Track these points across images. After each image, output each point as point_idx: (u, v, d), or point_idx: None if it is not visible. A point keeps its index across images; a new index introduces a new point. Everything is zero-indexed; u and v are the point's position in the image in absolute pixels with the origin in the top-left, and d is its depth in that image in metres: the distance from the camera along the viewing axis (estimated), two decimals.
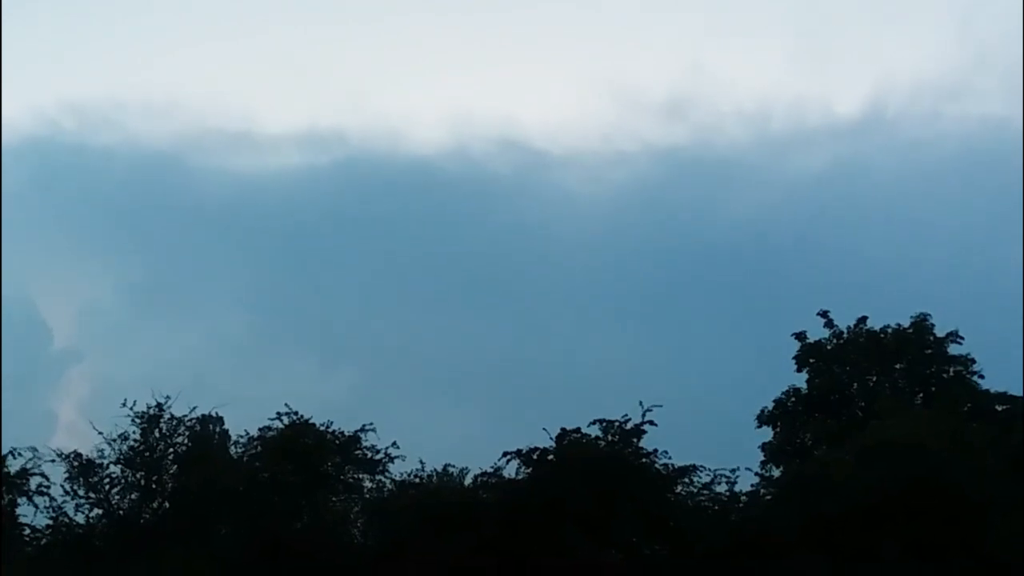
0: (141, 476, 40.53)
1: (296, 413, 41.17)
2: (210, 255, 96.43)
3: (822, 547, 34.69)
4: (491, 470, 39.17)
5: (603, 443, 38.84)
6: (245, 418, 42.12)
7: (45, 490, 39.72)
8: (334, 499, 41.23)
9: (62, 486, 39.90)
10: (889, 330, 46.21)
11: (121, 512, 40.23)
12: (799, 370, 46.51)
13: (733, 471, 39.05)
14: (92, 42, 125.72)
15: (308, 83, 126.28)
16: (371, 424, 41.34)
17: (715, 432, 53.96)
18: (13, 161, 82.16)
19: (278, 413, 41.05)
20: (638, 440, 38.71)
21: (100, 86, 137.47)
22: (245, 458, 41.29)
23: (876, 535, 35.02)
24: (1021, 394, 42.46)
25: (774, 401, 46.09)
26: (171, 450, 41.09)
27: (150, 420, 40.86)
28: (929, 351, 45.61)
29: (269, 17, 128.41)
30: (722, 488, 38.83)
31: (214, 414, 41.71)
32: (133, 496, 40.47)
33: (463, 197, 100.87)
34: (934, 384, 45.16)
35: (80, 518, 40.15)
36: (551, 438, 38.65)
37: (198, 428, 41.43)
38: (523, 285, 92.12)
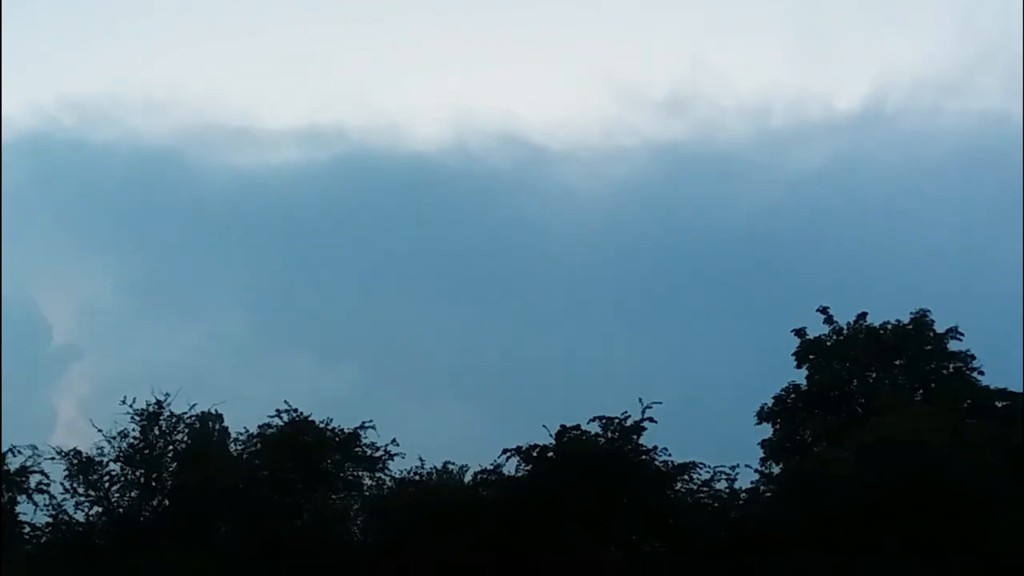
0: (141, 474, 40.47)
1: (296, 410, 41.11)
2: (210, 252, 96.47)
3: (822, 544, 34.67)
4: (491, 467, 39.18)
5: (603, 440, 38.80)
6: (245, 415, 42.14)
7: (45, 488, 39.69)
8: (334, 496, 41.19)
9: (62, 484, 39.88)
10: (889, 326, 46.24)
11: (121, 510, 40.18)
12: (799, 366, 46.55)
13: (733, 468, 38.99)
14: (92, 39, 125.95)
15: (308, 80, 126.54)
16: (371, 421, 41.29)
17: (715, 429, 53.99)
18: (13, 158, 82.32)
19: (278, 410, 41.01)
20: (638, 437, 38.68)
21: (100, 83, 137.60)
22: (245, 455, 41.23)
23: (876, 532, 35.01)
24: (1021, 390, 42.49)
25: (774, 398, 46.14)
26: (171, 448, 41.01)
27: (150, 418, 40.80)
28: (929, 347, 45.64)
29: (269, 14, 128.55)
30: (722, 485, 38.79)
31: (214, 411, 41.71)
32: (133, 494, 40.42)
33: (463, 193, 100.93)
34: (934, 380, 45.17)
35: (80, 516, 40.13)
36: (551, 435, 38.62)
37: (198, 425, 41.37)
38: (523, 281, 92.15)
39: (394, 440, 40.98)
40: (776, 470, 43.65)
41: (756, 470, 42.90)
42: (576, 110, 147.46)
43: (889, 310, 46.85)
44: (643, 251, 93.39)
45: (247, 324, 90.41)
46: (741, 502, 39.40)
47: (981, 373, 44.68)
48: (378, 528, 40.17)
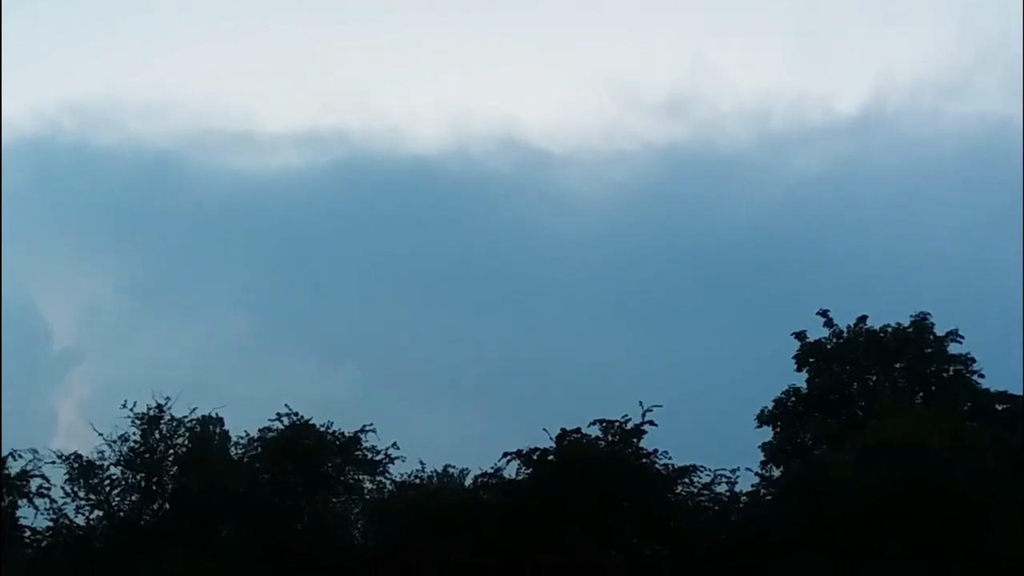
0: (141, 477, 40.52)
1: (296, 414, 41.19)
2: (210, 255, 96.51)
3: (822, 547, 34.65)
4: (491, 470, 39.21)
5: (603, 443, 38.83)
6: (245, 419, 42.17)
7: (45, 492, 39.76)
8: (334, 500, 41.21)
9: (62, 488, 39.96)
10: (889, 329, 46.24)
11: (121, 514, 40.23)
12: (799, 370, 46.54)
13: (733, 471, 39.09)
14: (92, 42, 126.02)
15: (308, 83, 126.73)
16: (371, 425, 41.40)
17: (715, 432, 53.92)
18: (13, 161, 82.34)
19: (278, 414, 41.11)
20: (638, 440, 38.71)
21: (100, 86, 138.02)
22: (245, 459, 41.27)
23: (876, 535, 35.00)
24: (1021, 393, 42.47)
25: (774, 401, 46.12)
26: (171, 451, 41.08)
27: (150, 421, 40.85)
28: (929, 350, 45.63)
29: (269, 17, 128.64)
30: (722, 488, 38.86)
31: (214, 415, 41.73)
32: (133, 497, 40.47)
33: (463, 196, 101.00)
34: (934, 383, 45.17)
35: (80, 520, 40.25)
36: (551, 438, 38.65)
37: (198, 429, 41.41)
38: (523, 284, 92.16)
39: (394, 444, 41.17)
40: (776, 473, 43.68)
41: (756, 473, 43.00)
42: (576, 112, 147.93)
43: (889, 313, 46.95)
44: (643, 254, 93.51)
45: (247, 327, 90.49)
46: (741, 505, 39.44)
47: (981, 376, 44.73)
48: (379, 531, 40.19)
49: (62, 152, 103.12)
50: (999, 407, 43.07)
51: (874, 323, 46.54)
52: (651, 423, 38.68)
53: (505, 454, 38.63)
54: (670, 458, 38.47)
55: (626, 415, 38.86)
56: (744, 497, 39.80)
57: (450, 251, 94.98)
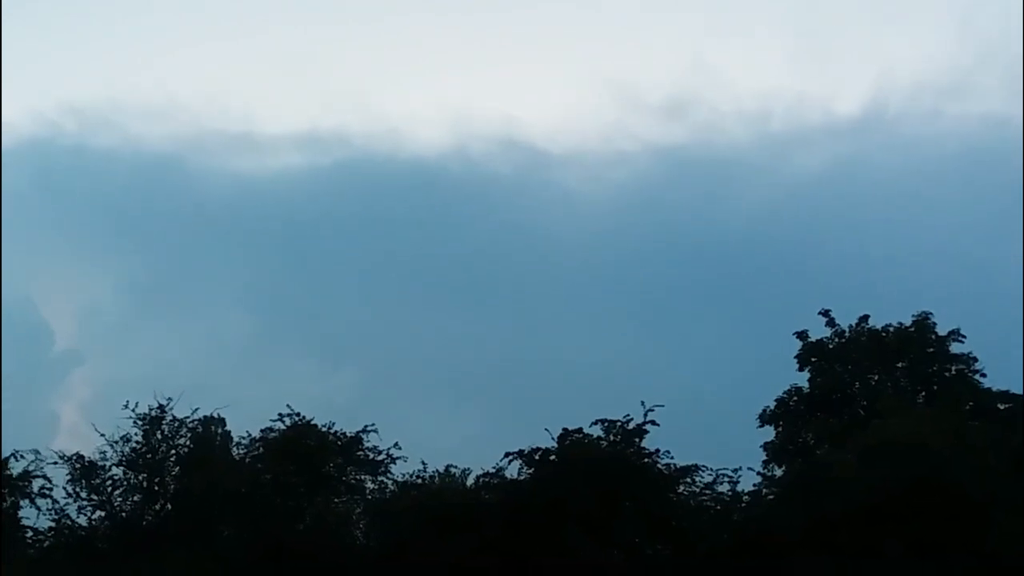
0: (143, 478, 40.52)
1: (298, 414, 41.14)
2: (211, 256, 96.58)
3: (825, 546, 34.65)
4: (493, 471, 39.20)
5: (605, 443, 38.82)
6: (247, 419, 42.18)
7: (47, 492, 39.77)
8: (336, 500, 41.20)
9: (64, 488, 39.97)
10: (891, 329, 46.24)
11: (123, 514, 40.24)
12: (801, 369, 46.54)
13: (735, 471, 39.04)
14: (92, 43, 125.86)
15: (308, 83, 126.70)
16: (373, 425, 41.35)
17: (717, 432, 53.95)
18: (14, 163, 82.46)
19: (280, 414, 41.03)
20: (640, 440, 38.70)
21: (100, 88, 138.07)
22: (247, 459, 41.25)
23: (879, 534, 35.00)
24: (1022, 392, 42.48)
25: (776, 400, 46.11)
26: (173, 452, 41.08)
27: (152, 422, 40.85)
28: (931, 350, 45.63)
29: (269, 17, 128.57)
30: (724, 488, 38.82)
31: (216, 416, 41.72)
32: (135, 498, 40.47)
33: (463, 197, 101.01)
34: (936, 383, 45.17)
35: (82, 520, 40.22)
36: (553, 438, 38.66)
37: (200, 430, 41.40)
38: (524, 285, 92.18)
39: (396, 444, 41.13)
40: (778, 473, 43.66)
41: (758, 473, 42.94)
42: (576, 113, 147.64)
43: (891, 313, 46.95)
44: (643, 254, 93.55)
45: (248, 328, 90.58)
46: (743, 505, 39.40)
47: (983, 375, 44.72)
48: (380, 532, 40.18)
49: (62, 154, 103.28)
50: (1001, 406, 43.07)
51: (876, 323, 46.58)
52: (653, 423, 38.68)
53: (507, 454, 38.67)
54: (672, 458, 38.52)
55: (628, 415, 38.91)
56: (746, 497, 39.75)
57: (450, 251, 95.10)
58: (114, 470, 40.43)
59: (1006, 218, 72.18)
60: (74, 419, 69.45)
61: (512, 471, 38.79)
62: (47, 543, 39.74)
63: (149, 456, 40.65)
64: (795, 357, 46.42)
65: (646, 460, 38.42)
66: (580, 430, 38.99)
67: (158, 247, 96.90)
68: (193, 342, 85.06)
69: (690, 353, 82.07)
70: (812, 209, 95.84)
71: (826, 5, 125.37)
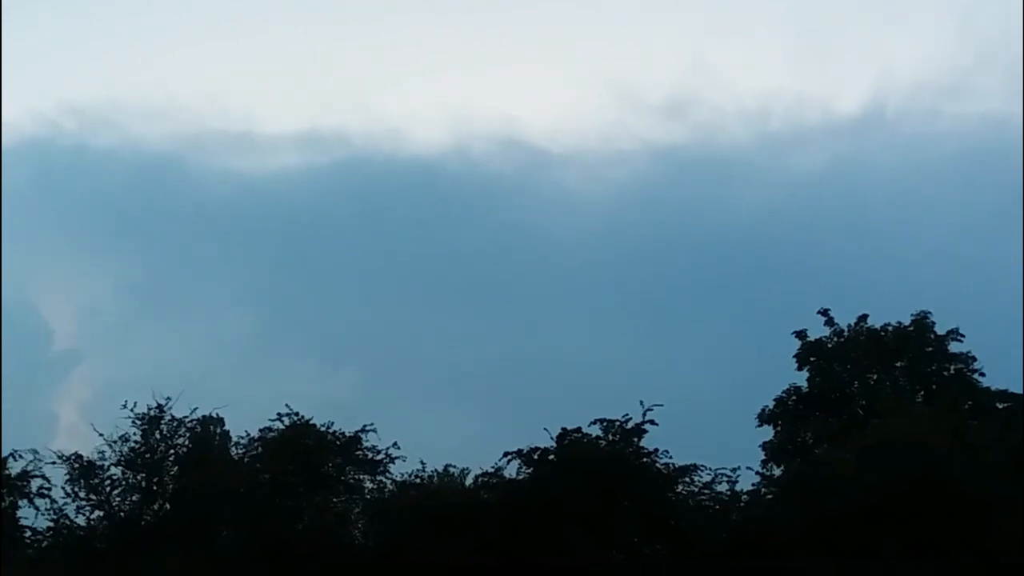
0: (142, 478, 40.49)
1: (297, 414, 41.13)
2: (210, 256, 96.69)
3: (823, 546, 34.63)
4: (492, 470, 39.16)
5: (604, 443, 38.79)
6: (246, 419, 42.17)
7: (46, 492, 39.74)
8: (335, 500, 41.16)
9: (63, 488, 39.92)
10: (890, 328, 46.27)
11: (122, 514, 40.21)
12: (800, 368, 46.56)
13: (734, 470, 38.96)
14: (92, 43, 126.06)
15: (308, 83, 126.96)
16: (372, 424, 41.34)
17: (716, 431, 53.95)
18: (13, 163, 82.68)
19: (279, 414, 41.02)
20: (639, 440, 38.66)
21: (100, 88, 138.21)
22: (246, 459, 41.25)
23: (877, 533, 34.99)
24: (1022, 391, 42.48)
25: (775, 400, 46.14)
26: (172, 451, 41.06)
27: (151, 422, 40.83)
28: (930, 349, 45.67)
29: (269, 17, 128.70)
30: (723, 487, 38.76)
31: (215, 415, 41.70)
32: (134, 498, 40.44)
33: (463, 197, 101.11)
34: (935, 382, 45.20)
35: (81, 520, 40.20)
36: (552, 438, 38.62)
37: (199, 429, 41.39)
38: (523, 284, 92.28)
39: (395, 443, 41.11)
40: (777, 472, 43.67)
41: (757, 472, 42.98)
42: (576, 112, 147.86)
43: (890, 312, 47.02)
44: (643, 254, 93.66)
45: (248, 328, 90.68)
46: (742, 504, 39.39)
47: (982, 375, 44.78)
48: (379, 531, 40.17)
49: (62, 153, 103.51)
50: (1000, 405, 43.11)
51: (875, 322, 46.63)
52: (652, 422, 38.63)
53: (505, 454, 38.63)
54: (671, 457, 38.47)
55: (627, 414, 38.85)
56: (745, 496, 39.76)
57: (450, 251, 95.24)
58: (113, 470, 40.45)
59: (1006, 218, 72.33)
60: (73, 419, 69.58)
61: (511, 471, 38.84)
62: (46, 543, 39.71)
63: (148, 456, 40.63)
64: (794, 356, 46.45)
65: (645, 460, 38.38)
66: (579, 430, 38.96)
67: (158, 247, 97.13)
68: (193, 342, 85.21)
69: (689, 353, 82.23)
70: (812, 209, 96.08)
71: (826, 5, 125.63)
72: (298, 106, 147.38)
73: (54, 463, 40.00)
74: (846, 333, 46.46)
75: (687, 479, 38.46)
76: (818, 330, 46.64)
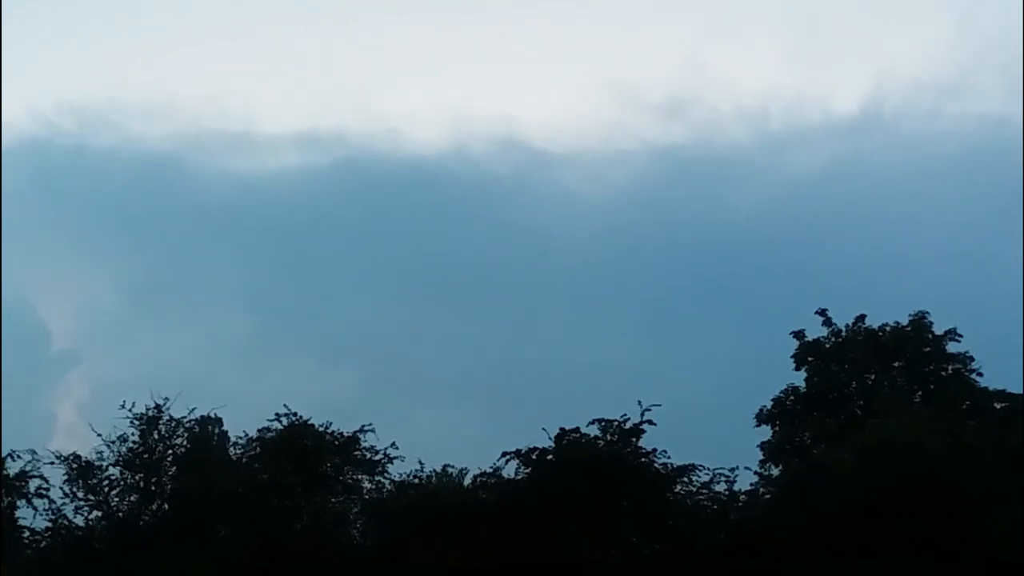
0: (140, 478, 40.53)
1: (295, 414, 41.15)
2: (210, 256, 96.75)
3: (821, 545, 34.65)
4: (490, 470, 39.16)
5: (602, 443, 38.79)
6: (244, 419, 42.22)
7: (44, 492, 39.78)
8: (333, 500, 41.18)
9: (61, 488, 39.97)
10: (888, 328, 46.25)
11: (120, 514, 40.22)
12: (798, 369, 46.55)
13: (732, 470, 38.99)
14: (91, 43, 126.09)
15: (308, 83, 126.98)
16: (370, 425, 41.38)
17: (714, 431, 53.98)
18: (13, 162, 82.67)
19: (277, 414, 41.08)
20: (637, 439, 38.67)
21: (100, 87, 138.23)
22: (244, 459, 41.25)
23: (876, 532, 35.01)
24: (1020, 391, 42.46)
25: (773, 400, 46.14)
26: (170, 452, 41.09)
27: (149, 422, 40.87)
28: (928, 349, 45.66)
29: (269, 17, 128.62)
30: (721, 487, 38.80)
31: (213, 415, 41.74)
32: (132, 498, 40.47)
33: (463, 196, 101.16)
34: (933, 382, 45.18)
35: (79, 520, 40.22)
36: (550, 438, 38.61)
37: (197, 430, 41.42)
38: (523, 284, 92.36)
39: (393, 443, 41.17)
40: (775, 472, 43.65)
41: (755, 472, 43.02)
42: (576, 112, 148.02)
43: (888, 312, 47.03)
44: (642, 254, 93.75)
45: (247, 328, 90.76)
46: (740, 504, 39.41)
47: (980, 375, 44.75)
48: (377, 531, 40.16)
49: (62, 153, 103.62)
50: (998, 405, 43.07)
51: (873, 322, 46.60)
52: (650, 422, 38.65)
53: (504, 453, 38.63)
54: (669, 457, 38.49)
55: (625, 414, 38.86)
56: (743, 496, 39.78)
57: (449, 251, 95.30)
58: (111, 470, 40.52)
59: (1005, 218, 72.38)
60: (71, 419, 69.60)
61: (509, 471, 38.85)
62: (44, 543, 39.72)
63: (146, 456, 40.66)
64: (792, 357, 46.42)
65: (643, 459, 38.39)
66: (577, 429, 38.96)
67: (157, 246, 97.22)
68: (191, 341, 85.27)
69: (687, 352, 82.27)
70: (811, 208, 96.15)
71: (825, 5, 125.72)
72: (298, 106, 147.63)
73: (52, 463, 40.16)
74: (844, 333, 46.43)
75: (685, 479, 38.48)
76: (816, 330, 46.70)
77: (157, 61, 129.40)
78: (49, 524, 39.71)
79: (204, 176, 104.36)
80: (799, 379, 46.35)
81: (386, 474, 41.15)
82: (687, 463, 38.51)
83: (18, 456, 39.74)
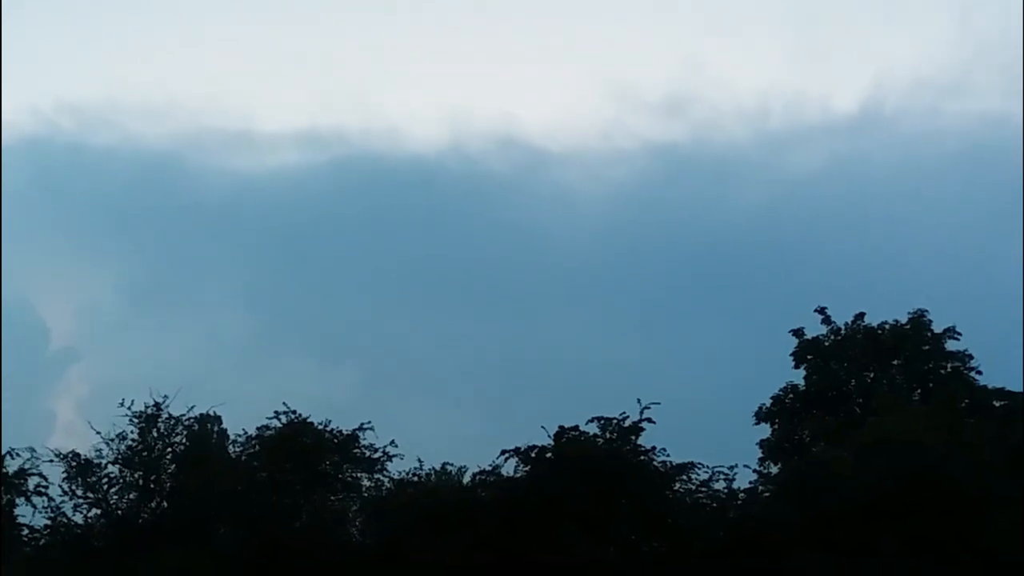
0: (139, 476, 40.50)
1: (294, 412, 41.14)
2: (209, 254, 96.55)
3: (821, 544, 34.66)
4: (489, 468, 39.13)
5: (601, 441, 38.80)
6: (243, 417, 42.12)
7: (43, 490, 39.75)
8: (332, 498, 41.16)
9: (60, 486, 39.92)
10: (887, 326, 46.25)
11: (119, 512, 40.20)
12: (797, 367, 46.57)
13: (731, 468, 38.96)
14: (91, 42, 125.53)
15: (307, 82, 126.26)
16: (369, 423, 41.33)
17: (713, 429, 53.98)
18: (12, 161, 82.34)
19: (276, 412, 41.05)
20: (636, 438, 38.68)
21: (99, 86, 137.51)
22: (243, 457, 41.22)
23: (875, 531, 35.02)
24: (1020, 390, 42.48)
25: (772, 398, 46.16)
26: (169, 450, 41.06)
27: (148, 420, 40.84)
28: (927, 347, 45.67)
29: (268, 16, 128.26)
30: (720, 485, 38.77)
31: (212, 413, 41.67)
32: (131, 496, 40.44)
33: (462, 195, 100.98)
34: (932, 380, 45.19)
35: (78, 518, 40.18)
36: (549, 436, 38.61)
37: (196, 428, 41.37)
38: (522, 283, 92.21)
39: (392, 441, 41.09)
40: (774, 470, 43.65)
41: (755, 470, 42.95)
42: (575, 111, 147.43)
43: (887, 310, 46.98)
44: (642, 253, 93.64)
45: (246, 327, 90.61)
46: (739, 502, 39.36)
47: (979, 373, 44.78)
48: (377, 529, 40.18)
49: (61, 152, 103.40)
50: (997, 403, 43.09)
51: (872, 320, 46.60)
52: (649, 420, 38.65)
53: (503, 452, 38.62)
54: (668, 455, 38.46)
55: (624, 413, 38.83)
56: (742, 494, 39.71)
57: (449, 250, 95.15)
58: (110, 468, 40.44)
59: (1005, 217, 72.21)
60: (70, 417, 69.52)
61: (508, 469, 38.81)
62: (43, 541, 39.71)
63: (145, 454, 40.64)
64: (791, 355, 46.44)
65: (642, 458, 38.39)
66: (576, 428, 38.95)
67: (157, 245, 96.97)
68: (191, 340, 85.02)
69: (687, 351, 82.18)
70: (811, 207, 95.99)
71: (825, 4, 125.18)
72: (297, 105, 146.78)
73: (51, 461, 40.09)
74: (843, 331, 46.44)
75: (684, 477, 38.48)
76: (815, 328, 46.70)
77: (157, 60, 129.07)
78: (48, 522, 39.71)
79: (203, 175, 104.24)
80: (798, 377, 46.44)
81: (385, 472, 41.16)
82: (686, 461, 38.49)
83: (17, 454, 39.74)
